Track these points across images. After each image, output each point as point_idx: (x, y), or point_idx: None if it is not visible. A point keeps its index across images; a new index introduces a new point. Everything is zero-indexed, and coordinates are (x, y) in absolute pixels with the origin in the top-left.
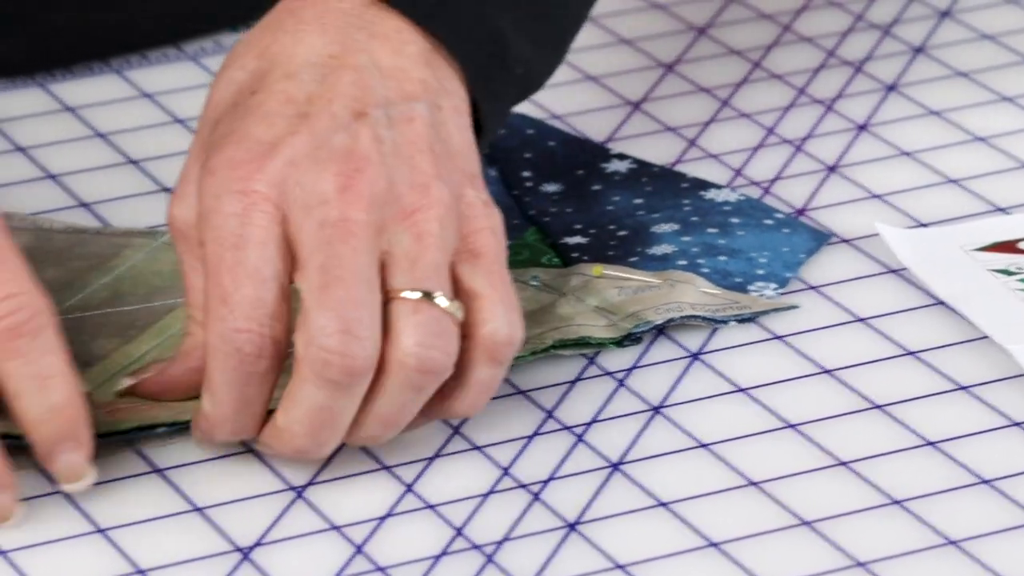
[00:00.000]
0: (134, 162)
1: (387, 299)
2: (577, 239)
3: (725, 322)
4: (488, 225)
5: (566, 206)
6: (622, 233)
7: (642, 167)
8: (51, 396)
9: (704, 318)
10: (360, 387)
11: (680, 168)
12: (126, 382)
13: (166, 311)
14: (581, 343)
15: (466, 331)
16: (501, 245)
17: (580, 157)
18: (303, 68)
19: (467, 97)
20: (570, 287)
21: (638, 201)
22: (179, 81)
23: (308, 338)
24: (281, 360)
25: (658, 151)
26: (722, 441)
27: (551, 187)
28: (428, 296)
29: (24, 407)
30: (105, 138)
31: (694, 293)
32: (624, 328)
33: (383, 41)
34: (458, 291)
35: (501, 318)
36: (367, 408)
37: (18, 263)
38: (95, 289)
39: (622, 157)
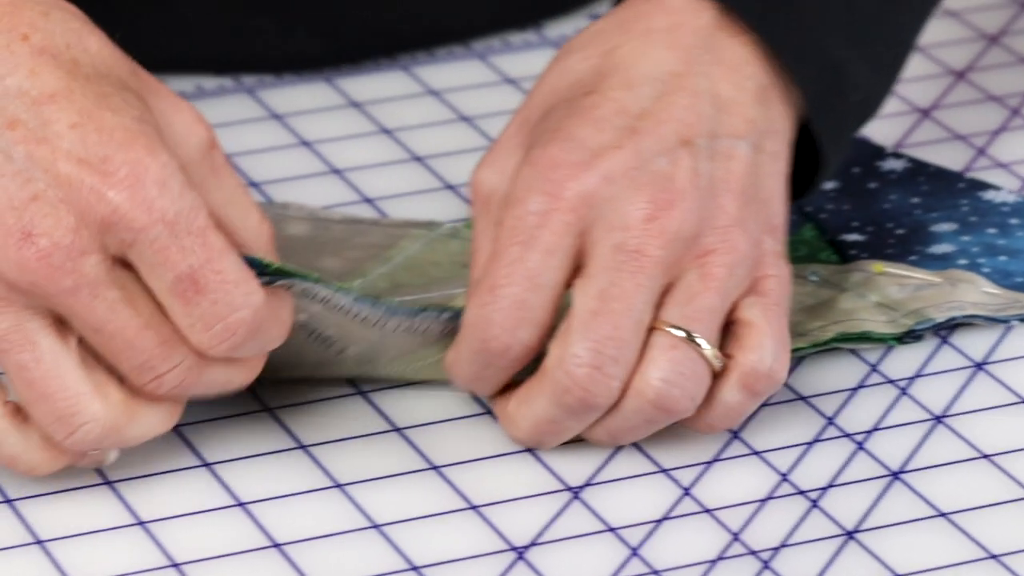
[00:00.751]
0: (418, 159)
1: (652, 326)
2: (855, 236)
3: (1007, 321)
4: (777, 274)
5: (843, 203)
6: (900, 231)
7: (918, 166)
8: (265, 348)
9: (986, 318)
10: (593, 416)
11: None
12: None
13: (445, 300)
14: (863, 337)
15: (730, 355)
16: (785, 293)
17: (856, 155)
18: (643, 81)
19: (792, 138)
20: (850, 283)
21: (915, 200)
22: (466, 79)
23: (560, 357)
24: (525, 361)
25: (946, 159)
26: (1006, 452)
27: (828, 184)
28: (691, 337)
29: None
30: (390, 134)
31: (976, 292)
32: (906, 325)
33: (726, 70)
34: (732, 321)
35: (768, 350)
36: (598, 419)
37: (229, 265)
38: (374, 279)
39: (898, 156)
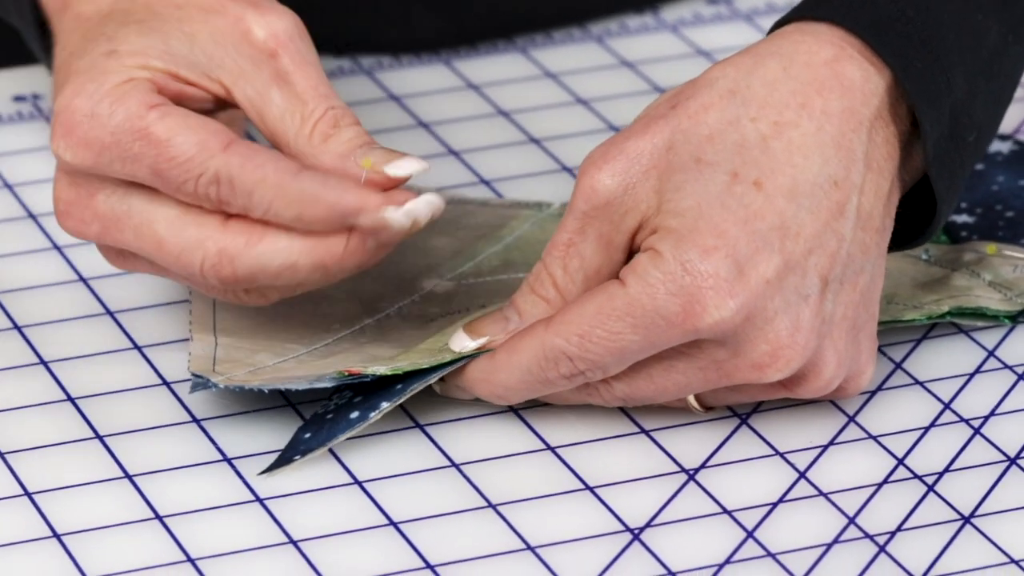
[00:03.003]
0: (535, 140)
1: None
2: (964, 218)
3: None
4: (865, 372)
5: None
6: (1009, 214)
7: (1022, 148)
8: (284, 215)
9: None
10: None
11: None
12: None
13: None
14: (978, 313)
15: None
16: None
17: None
18: (807, 191)
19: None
20: (963, 262)
21: (1023, 183)
22: (582, 62)
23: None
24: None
25: None
26: None
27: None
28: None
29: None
30: (507, 116)
31: None
32: (1020, 304)
33: (874, 175)
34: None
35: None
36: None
37: (178, 146)
38: (485, 257)
39: (1003, 138)
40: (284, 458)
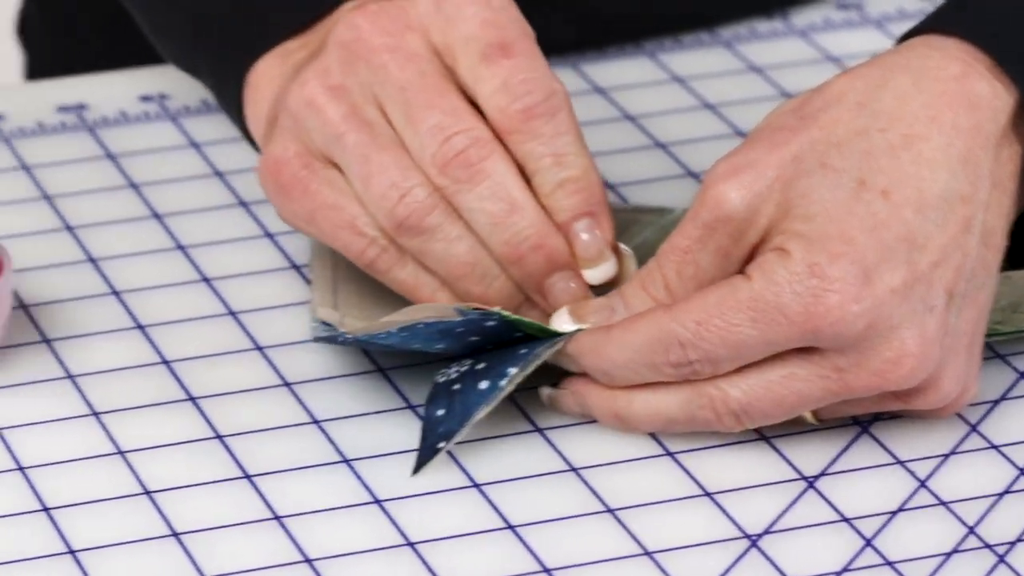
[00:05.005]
0: (661, 145)
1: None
2: None
3: None
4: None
5: None
6: None
7: None
8: (565, 171)
9: None
10: None
11: None
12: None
13: None
14: None
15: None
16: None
17: None
18: (935, 204)
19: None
20: None
21: None
22: (711, 66)
23: (722, 397)
24: None
25: None
26: None
27: None
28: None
29: (538, 184)
30: (633, 120)
31: None
32: None
33: (999, 194)
34: None
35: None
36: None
37: (533, 51)
38: None
39: None
40: (428, 447)
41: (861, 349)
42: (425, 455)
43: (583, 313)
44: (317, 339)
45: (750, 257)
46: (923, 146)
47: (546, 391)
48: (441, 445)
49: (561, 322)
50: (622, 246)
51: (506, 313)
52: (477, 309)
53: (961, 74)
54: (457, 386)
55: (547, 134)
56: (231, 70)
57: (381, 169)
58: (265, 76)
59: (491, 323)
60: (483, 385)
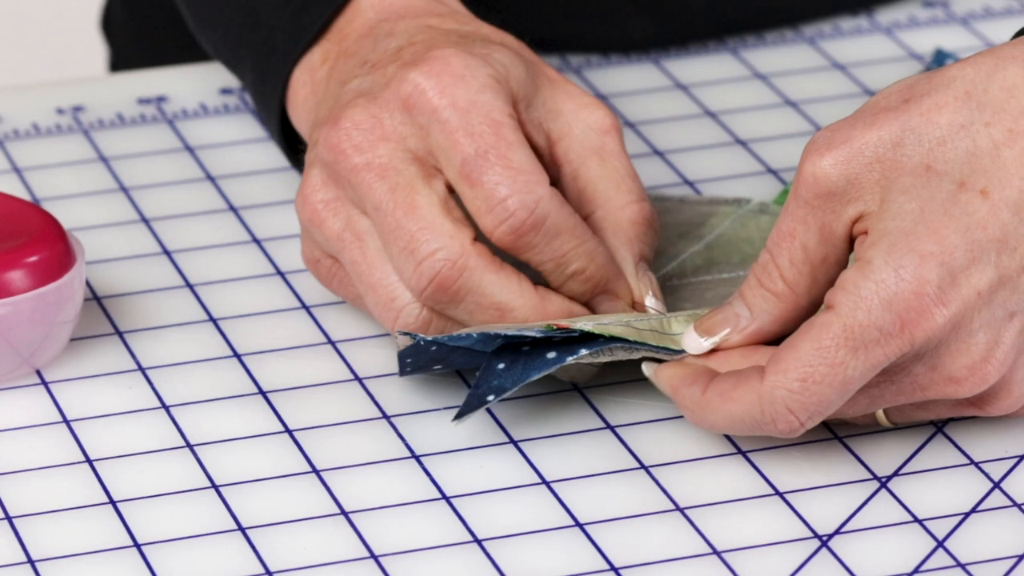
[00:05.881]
0: (741, 142)
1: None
2: None
3: None
4: None
5: None
6: None
7: None
8: (570, 267)
9: None
10: None
11: None
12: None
13: None
14: None
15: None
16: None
17: None
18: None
19: None
20: None
21: None
22: (794, 63)
23: (783, 398)
24: None
25: None
26: None
27: None
28: None
29: (551, 282)
30: (715, 117)
31: None
32: None
33: None
34: None
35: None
36: None
37: (508, 152)
38: (688, 257)
39: None
40: (477, 396)
41: (939, 353)
42: (471, 403)
43: (708, 326)
44: (403, 364)
45: (852, 232)
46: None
47: (650, 367)
48: (491, 398)
49: (691, 341)
50: (648, 300)
51: (589, 327)
52: (560, 328)
53: None
54: (526, 347)
55: (540, 244)
56: (272, 78)
57: (371, 289)
58: (298, 91)
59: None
60: (551, 355)
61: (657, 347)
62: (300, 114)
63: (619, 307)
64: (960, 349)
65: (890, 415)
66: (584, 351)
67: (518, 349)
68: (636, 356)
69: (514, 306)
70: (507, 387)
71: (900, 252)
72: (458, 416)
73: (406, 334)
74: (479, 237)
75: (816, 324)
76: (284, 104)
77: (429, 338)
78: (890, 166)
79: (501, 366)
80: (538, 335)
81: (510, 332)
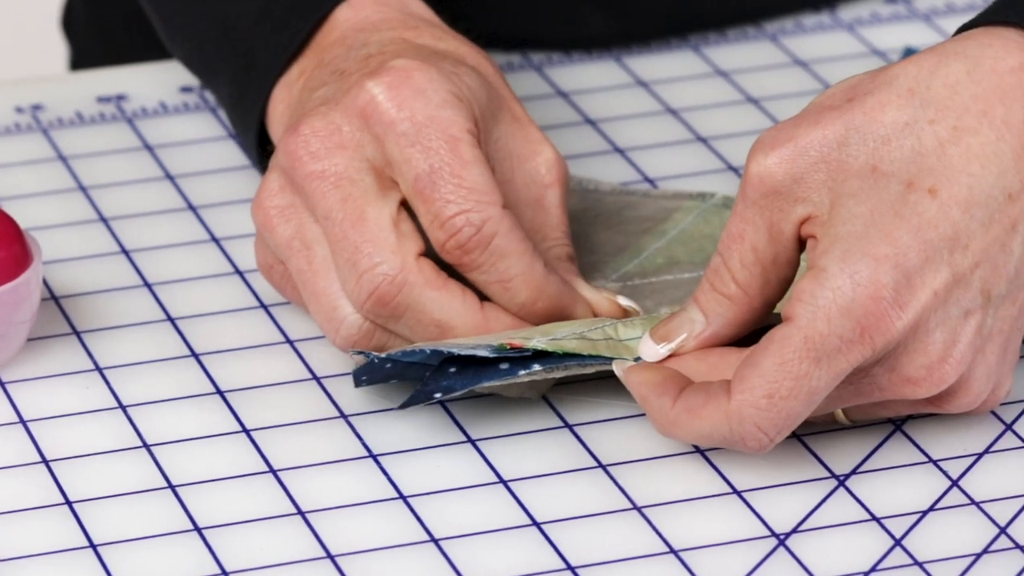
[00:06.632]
0: (702, 139)
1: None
2: None
3: None
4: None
5: None
6: None
7: None
8: (518, 296)
9: None
10: None
11: None
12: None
13: None
14: None
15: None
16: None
17: None
18: (982, 203)
19: None
20: None
21: None
22: (756, 60)
23: (751, 416)
24: None
25: None
26: None
27: None
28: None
29: (504, 306)
30: (676, 114)
31: None
32: None
33: None
34: None
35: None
36: None
37: (462, 169)
38: (650, 254)
39: None
40: (425, 392)
41: (897, 355)
42: (418, 397)
43: (664, 333)
44: (359, 379)
45: (799, 233)
46: (972, 140)
47: (620, 367)
48: (438, 395)
49: (647, 348)
50: (622, 300)
51: (543, 344)
52: (513, 347)
53: (1018, 66)
54: (480, 357)
55: (486, 264)
56: (251, 94)
57: (315, 298)
58: (277, 107)
59: (528, 355)
60: (504, 366)
61: (612, 358)
62: (277, 130)
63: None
64: (918, 350)
65: (848, 413)
66: (537, 367)
67: (471, 357)
68: (590, 370)
69: (454, 324)
70: (456, 389)
71: (854, 258)
72: (403, 405)
73: (360, 353)
74: (431, 254)
75: (776, 339)
76: (263, 119)
77: (383, 355)
78: (836, 167)
79: (453, 369)
80: (490, 355)
81: (463, 351)
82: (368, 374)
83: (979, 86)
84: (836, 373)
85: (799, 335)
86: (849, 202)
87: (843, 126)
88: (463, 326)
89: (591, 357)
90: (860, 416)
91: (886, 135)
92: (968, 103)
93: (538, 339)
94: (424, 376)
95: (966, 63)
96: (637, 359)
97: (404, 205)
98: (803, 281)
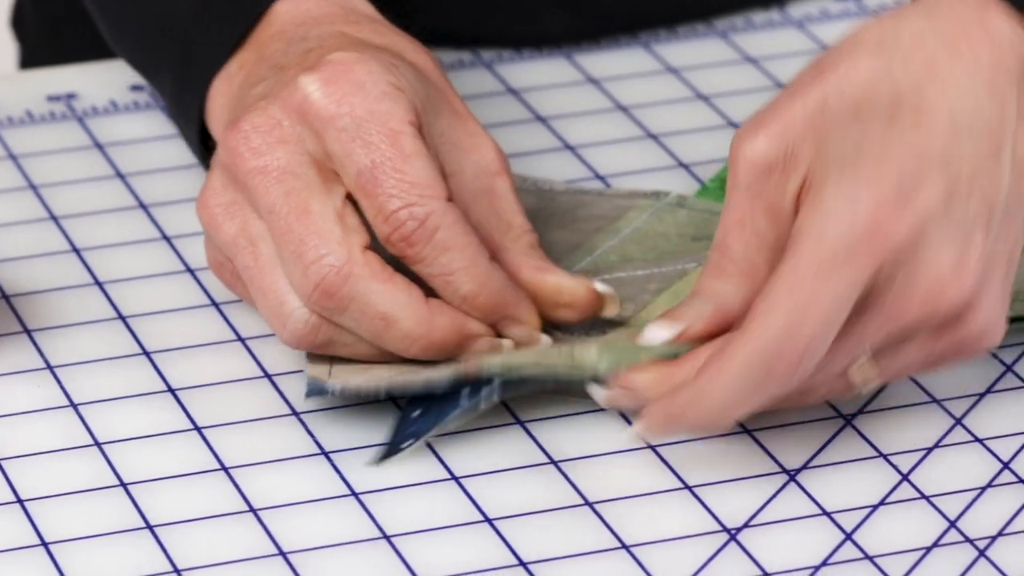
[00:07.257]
0: (653, 136)
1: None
2: None
3: None
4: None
5: None
6: None
7: None
8: (461, 289)
9: None
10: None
11: None
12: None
13: (677, 276)
14: None
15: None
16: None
17: None
18: (967, 133)
19: None
20: None
21: None
22: (706, 57)
23: (775, 345)
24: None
25: None
26: None
27: None
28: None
29: (448, 299)
30: (626, 111)
31: None
32: None
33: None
34: None
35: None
36: None
37: (403, 163)
38: (603, 252)
39: None
40: (394, 444)
41: (908, 271)
42: (390, 450)
43: (678, 314)
44: (309, 394)
45: (798, 205)
46: (947, 77)
47: (601, 393)
48: (407, 444)
49: (654, 332)
50: (599, 285)
51: (497, 363)
52: (469, 378)
53: (977, 15)
54: (440, 394)
55: (429, 257)
56: (191, 89)
57: (261, 294)
58: (216, 100)
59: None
60: (464, 402)
61: (569, 379)
62: (217, 125)
63: (523, 333)
64: (928, 261)
65: (879, 364)
66: (497, 386)
67: (430, 396)
68: (548, 388)
69: (399, 317)
70: (423, 433)
71: (847, 181)
72: (379, 460)
73: (314, 381)
74: (377, 247)
75: (783, 271)
76: (203, 114)
77: (338, 389)
78: (822, 129)
79: (415, 413)
80: (447, 388)
81: (415, 390)
82: (320, 394)
83: (944, 35)
84: (850, 293)
85: (806, 259)
86: (835, 143)
87: (820, 91)
88: (407, 319)
89: (546, 378)
90: (889, 373)
91: (864, 83)
92: (936, 47)
93: (491, 362)
94: (395, 424)
95: (928, 16)
96: (592, 379)
97: (349, 198)
98: (801, 214)
